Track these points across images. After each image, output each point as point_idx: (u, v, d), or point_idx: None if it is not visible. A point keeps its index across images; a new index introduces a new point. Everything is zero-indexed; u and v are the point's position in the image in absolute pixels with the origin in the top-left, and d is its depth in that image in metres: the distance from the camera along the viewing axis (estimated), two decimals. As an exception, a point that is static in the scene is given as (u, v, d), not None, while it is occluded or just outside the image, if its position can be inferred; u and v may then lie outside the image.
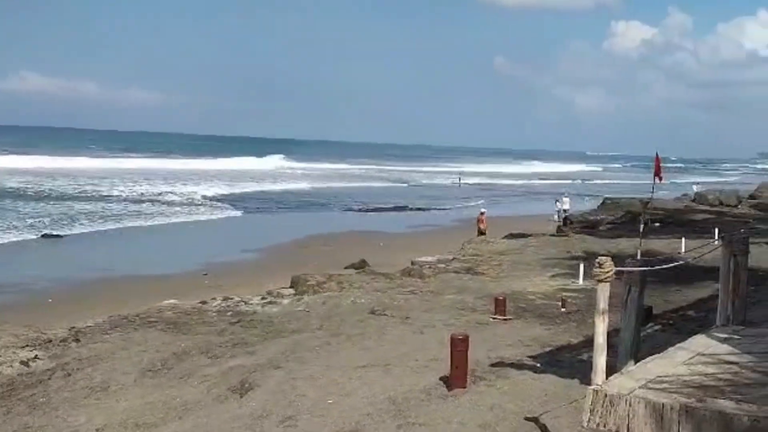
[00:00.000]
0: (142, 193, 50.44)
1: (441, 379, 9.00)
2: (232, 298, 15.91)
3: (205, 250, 27.10)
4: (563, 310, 14.22)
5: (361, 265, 22.46)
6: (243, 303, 15.45)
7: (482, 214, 31.92)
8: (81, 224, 33.92)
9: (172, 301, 15.65)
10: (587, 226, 34.63)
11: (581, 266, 16.94)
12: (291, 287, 17.68)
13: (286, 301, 15.69)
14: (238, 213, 42.51)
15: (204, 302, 15.60)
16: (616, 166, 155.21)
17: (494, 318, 13.52)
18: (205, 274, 22.17)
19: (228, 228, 36.60)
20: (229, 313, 14.44)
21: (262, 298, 16.02)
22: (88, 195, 47.97)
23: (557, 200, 41.16)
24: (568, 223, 35.73)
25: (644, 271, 7.85)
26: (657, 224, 30.51)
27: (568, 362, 9.70)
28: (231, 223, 38.65)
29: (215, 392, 9.55)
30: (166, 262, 24.34)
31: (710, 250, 9.73)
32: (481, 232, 30.00)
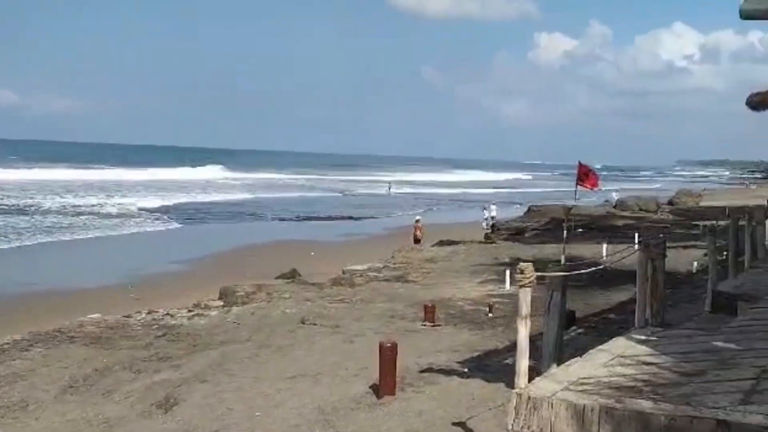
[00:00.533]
0: (70, 206, 48.61)
1: (371, 387, 9.02)
2: (157, 312, 15.59)
3: (134, 263, 26.41)
4: (490, 315, 14.44)
5: (291, 275, 22.31)
6: (169, 316, 15.17)
7: (417, 221, 32.23)
8: (6, 239, 32.59)
9: (95, 315, 15.25)
10: (514, 232, 35.27)
11: (507, 272, 17.24)
12: (220, 299, 17.44)
13: (214, 313, 15.47)
14: (176, 225, 41.58)
15: (128, 316, 15.25)
16: (546, 174, 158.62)
17: (424, 325, 13.64)
18: (131, 287, 21.61)
19: (160, 240, 35.80)
20: (154, 327, 14.15)
21: (189, 311, 15.76)
22: (15, 208, 45.95)
23: (485, 208, 41.80)
24: (495, 230, 36.30)
25: (566, 276, 8.05)
26: (580, 230, 31.33)
27: (495, 366, 9.85)
28: (164, 235, 37.81)
29: (139, 408, 9.34)
30: (92, 276, 23.62)
31: (629, 254, 10.03)
32: (416, 240, 30.30)
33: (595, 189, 19.18)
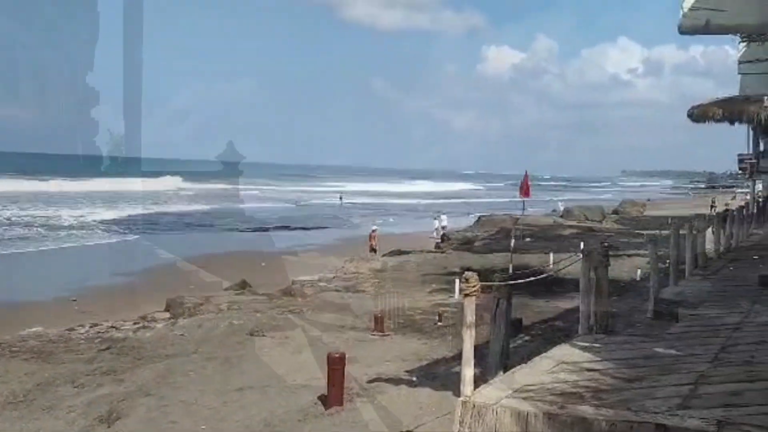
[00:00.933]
0: (19, 217, 46.92)
1: (319, 398, 8.98)
2: (101, 325, 15.26)
3: (81, 275, 25.82)
4: (440, 324, 14.51)
5: (241, 286, 22.05)
6: (114, 329, 14.87)
7: (374, 231, 32.35)
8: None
9: (37, 328, 14.86)
10: (464, 242, 35.55)
11: (457, 281, 17.34)
12: (166, 311, 17.15)
13: (160, 326, 15.21)
14: (128, 236, 40.66)
15: (72, 329, 14.91)
16: (495, 185, 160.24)
17: (374, 334, 13.64)
18: (75, 300, 21.09)
19: (110, 251, 34.93)
20: (98, 340, 13.85)
21: (135, 323, 15.47)
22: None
23: (435, 218, 42.06)
24: (445, 240, 36.55)
25: (512, 284, 8.15)
26: (528, 239, 31.78)
27: (443, 375, 9.90)
28: (115, 246, 36.92)
29: (81, 423, 9.12)
30: (36, 289, 22.97)
31: (572, 263, 10.20)
32: (372, 249, 30.39)
33: (523, 198, 19.72)
